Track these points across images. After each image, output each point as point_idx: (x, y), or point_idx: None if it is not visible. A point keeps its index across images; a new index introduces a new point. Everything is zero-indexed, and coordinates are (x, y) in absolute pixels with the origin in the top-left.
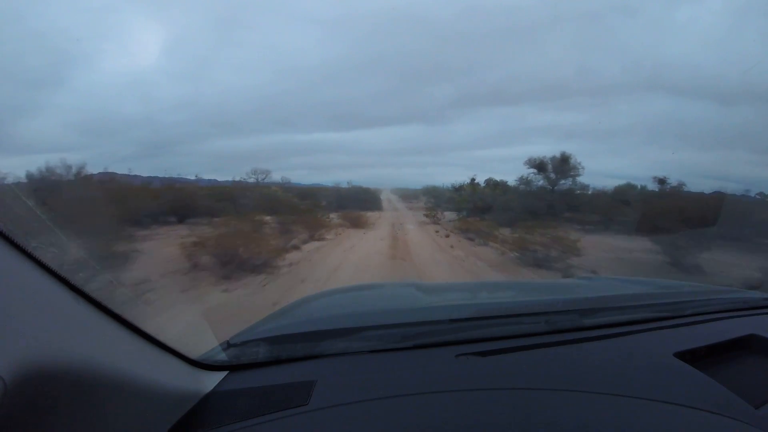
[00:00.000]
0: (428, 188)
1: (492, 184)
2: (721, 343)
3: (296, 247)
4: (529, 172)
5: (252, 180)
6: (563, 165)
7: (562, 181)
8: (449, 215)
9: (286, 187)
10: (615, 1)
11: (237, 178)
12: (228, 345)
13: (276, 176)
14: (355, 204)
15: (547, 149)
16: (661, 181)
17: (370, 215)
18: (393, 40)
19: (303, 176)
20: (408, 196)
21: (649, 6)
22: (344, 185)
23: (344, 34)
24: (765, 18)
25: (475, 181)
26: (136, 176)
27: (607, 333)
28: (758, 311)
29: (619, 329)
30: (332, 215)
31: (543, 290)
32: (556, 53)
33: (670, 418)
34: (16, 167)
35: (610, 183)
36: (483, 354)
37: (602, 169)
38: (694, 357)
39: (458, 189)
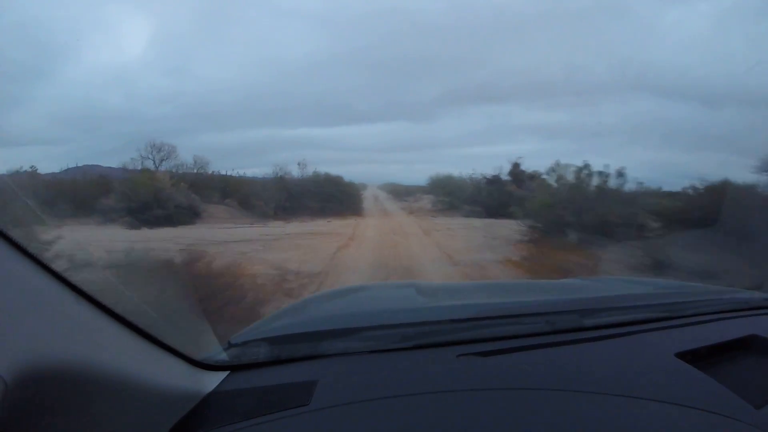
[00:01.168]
0: (438, 180)
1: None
2: (721, 343)
3: None
4: None
5: (149, 163)
6: None
7: None
8: (506, 230)
9: (194, 177)
10: (604, 1)
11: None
12: (229, 345)
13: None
14: (314, 205)
15: (533, 148)
16: None
17: (332, 230)
18: (380, 36)
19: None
20: (400, 192)
21: (637, 7)
22: (295, 174)
23: (331, 29)
24: (751, 21)
25: (519, 168)
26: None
27: (607, 333)
28: (759, 311)
29: (619, 329)
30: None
31: (543, 290)
32: (543, 52)
33: (670, 418)
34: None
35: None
36: (484, 354)
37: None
38: (694, 357)
39: (493, 182)
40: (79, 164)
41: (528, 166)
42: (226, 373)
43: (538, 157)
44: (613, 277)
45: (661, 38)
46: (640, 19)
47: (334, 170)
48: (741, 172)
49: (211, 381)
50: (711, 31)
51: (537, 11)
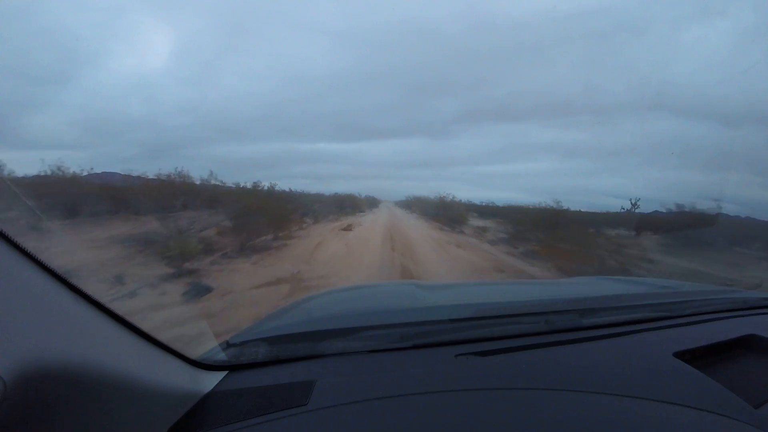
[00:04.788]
0: None
1: None
2: (720, 343)
3: None
4: None
5: None
6: None
7: None
8: None
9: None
10: (623, 20)
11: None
12: (227, 345)
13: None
14: None
15: (550, 167)
16: None
17: None
18: (400, 53)
19: (305, 185)
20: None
21: (656, 26)
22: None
23: (352, 46)
24: None
25: None
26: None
27: (606, 333)
28: (757, 311)
29: (618, 329)
30: None
31: (542, 290)
32: (563, 71)
33: (669, 418)
34: (18, 162)
35: (612, 203)
36: (482, 354)
37: (603, 188)
38: (693, 357)
39: None
40: (98, 170)
41: (546, 185)
42: (225, 373)
43: (556, 176)
44: (612, 277)
45: (681, 57)
46: (659, 38)
47: (348, 185)
48: (760, 192)
49: (210, 381)
50: (731, 50)
51: (556, 31)
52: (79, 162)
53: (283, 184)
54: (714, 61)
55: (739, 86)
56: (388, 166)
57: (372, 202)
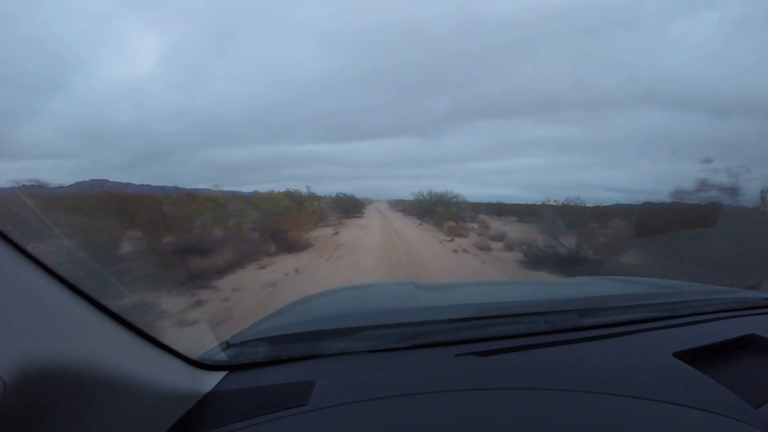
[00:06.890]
0: None
1: None
2: (720, 343)
3: None
4: None
5: None
6: None
7: None
8: None
9: None
10: (611, 15)
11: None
12: (227, 345)
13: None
14: None
15: (542, 162)
16: None
17: None
18: (390, 54)
19: (296, 188)
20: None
21: (645, 20)
22: None
23: (341, 47)
24: (759, 31)
25: None
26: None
27: (606, 333)
28: (758, 311)
29: (618, 329)
30: None
31: (543, 290)
32: (552, 67)
33: (669, 418)
34: (9, 172)
35: (605, 196)
36: (482, 354)
37: (595, 181)
38: (693, 357)
39: None
40: (87, 179)
41: (539, 180)
42: (225, 373)
43: (548, 171)
44: (611, 276)
45: (670, 50)
46: (648, 31)
47: (340, 186)
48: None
49: (210, 381)
50: (719, 41)
51: (545, 28)
52: (68, 171)
53: (275, 187)
54: (702, 52)
55: (728, 77)
56: (379, 165)
57: (354, 207)
